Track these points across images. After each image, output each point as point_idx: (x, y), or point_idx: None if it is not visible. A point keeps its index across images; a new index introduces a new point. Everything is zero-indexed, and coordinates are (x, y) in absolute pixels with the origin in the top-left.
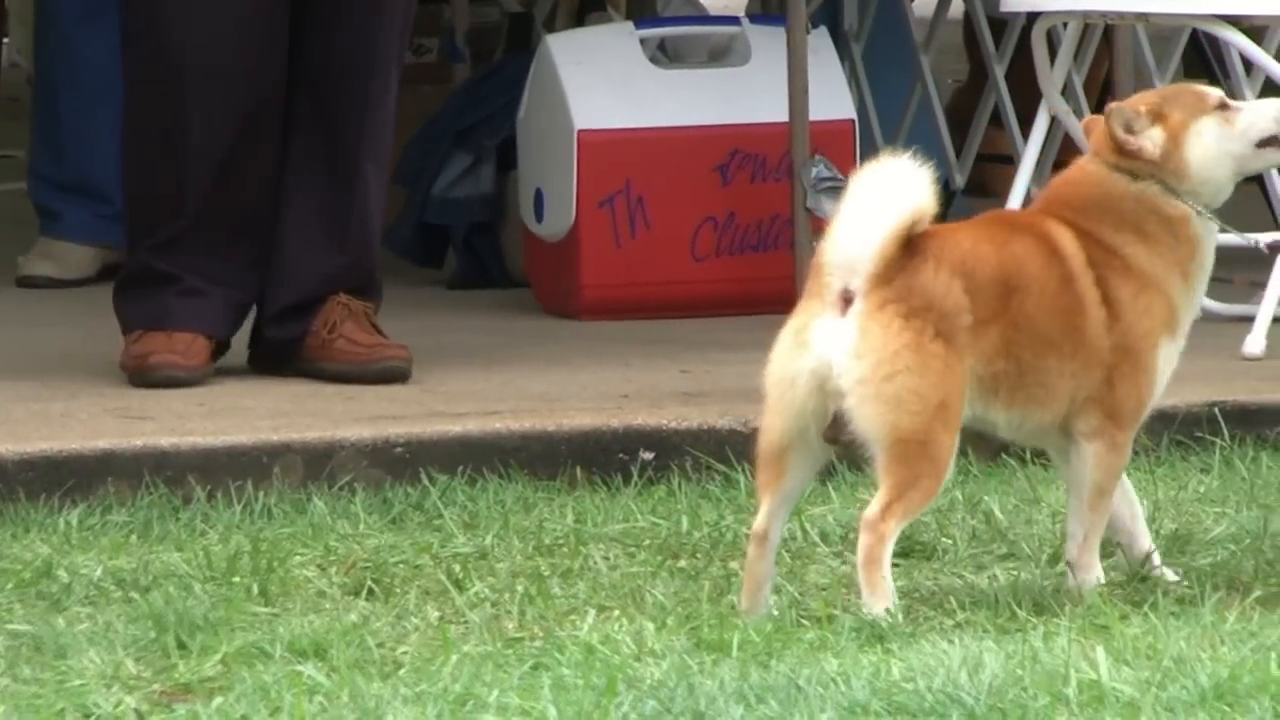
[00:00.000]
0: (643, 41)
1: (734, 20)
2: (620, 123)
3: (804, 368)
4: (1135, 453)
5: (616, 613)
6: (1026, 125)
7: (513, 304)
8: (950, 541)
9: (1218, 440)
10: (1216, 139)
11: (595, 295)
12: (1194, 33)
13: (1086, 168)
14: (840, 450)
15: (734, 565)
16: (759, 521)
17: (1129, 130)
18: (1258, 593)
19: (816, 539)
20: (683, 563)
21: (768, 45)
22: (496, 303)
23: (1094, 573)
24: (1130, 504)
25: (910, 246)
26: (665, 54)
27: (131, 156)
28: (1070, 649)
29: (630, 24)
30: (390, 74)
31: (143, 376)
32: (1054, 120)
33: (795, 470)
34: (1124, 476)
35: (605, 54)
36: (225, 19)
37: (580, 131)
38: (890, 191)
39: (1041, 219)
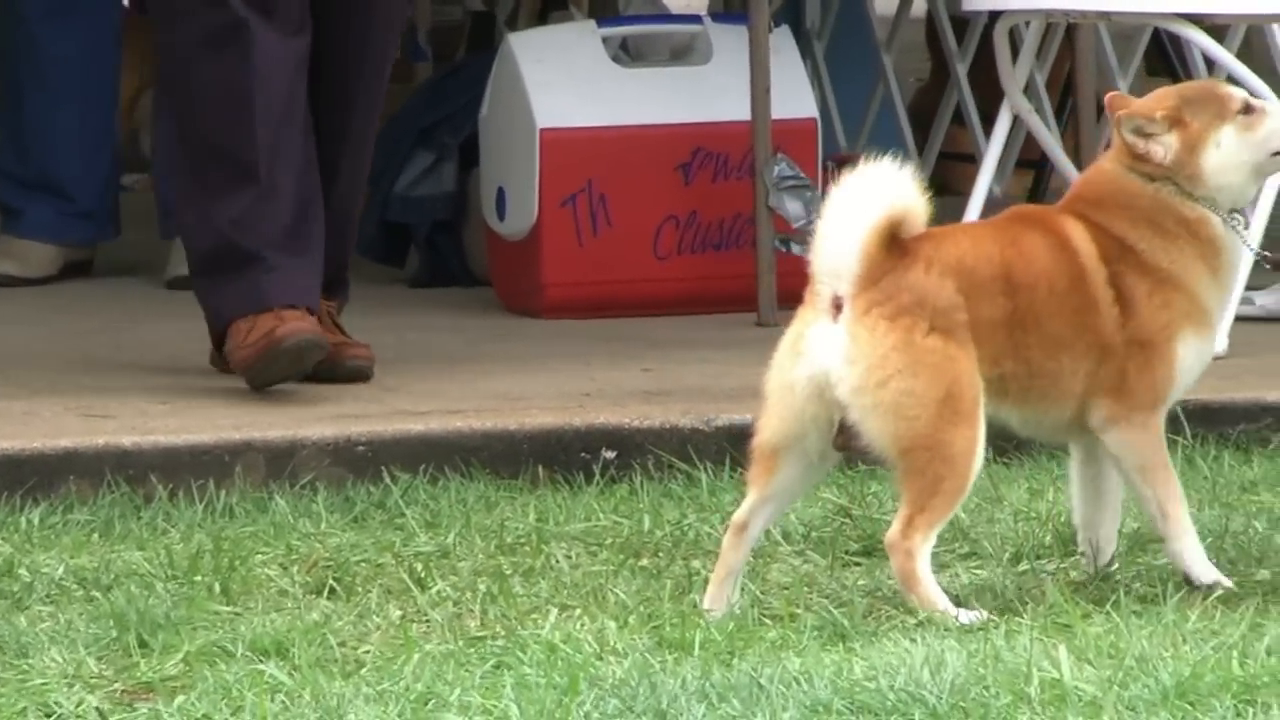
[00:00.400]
0: (605, 40)
1: (696, 19)
2: (582, 121)
3: (801, 376)
4: None
5: (579, 611)
6: (989, 123)
7: (475, 302)
8: None
9: (1180, 439)
10: (1235, 149)
11: (557, 294)
12: (1156, 31)
13: (1104, 166)
14: (853, 455)
15: (696, 564)
16: (740, 511)
17: (1141, 135)
18: (1219, 591)
19: (779, 538)
20: (645, 561)
21: (730, 44)
22: (458, 301)
23: (1188, 539)
24: (1113, 514)
25: (901, 249)
26: (627, 53)
27: (195, 122)
28: (1032, 648)
29: (592, 23)
30: (377, 74)
31: (274, 353)
32: (1016, 119)
33: (787, 471)
34: (1117, 488)
35: (567, 53)
36: None
37: (543, 130)
38: (870, 194)
39: (1056, 215)
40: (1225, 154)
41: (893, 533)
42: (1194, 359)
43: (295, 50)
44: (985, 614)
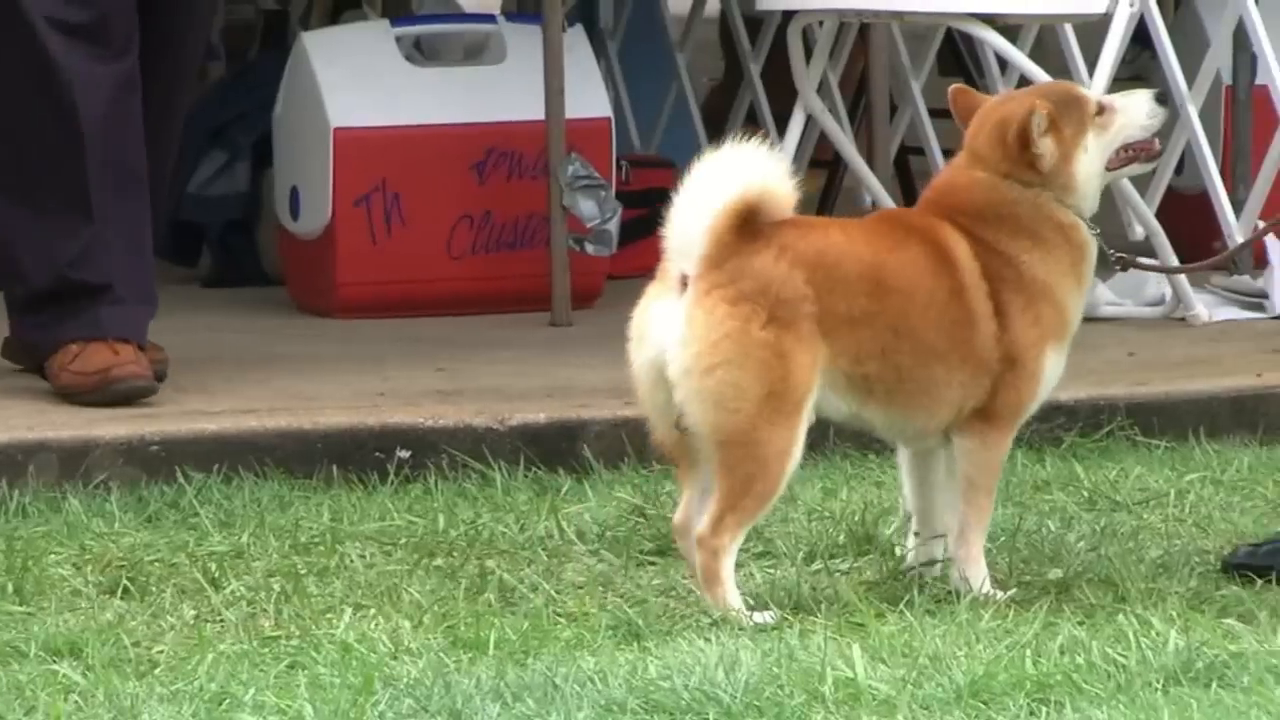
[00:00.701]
0: (398, 39)
1: (490, 19)
2: (376, 121)
3: (644, 360)
4: (892, 450)
5: (373, 611)
6: (782, 123)
7: (268, 302)
8: None
9: None
10: (1098, 153)
11: (351, 293)
12: (949, 31)
13: (975, 174)
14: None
15: (490, 563)
16: (678, 513)
17: (1024, 140)
18: (1013, 590)
19: (574, 537)
20: (439, 561)
21: (524, 43)
22: (252, 301)
23: (977, 566)
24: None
25: (755, 234)
26: (421, 52)
27: (22, 160)
28: (826, 647)
29: (386, 22)
30: (193, 78)
31: (106, 392)
32: (809, 118)
33: (696, 464)
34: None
35: (361, 52)
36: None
37: (336, 129)
38: (726, 173)
39: (938, 225)
40: (1091, 159)
41: (702, 529)
42: (1053, 374)
43: (121, 73)
44: (778, 615)
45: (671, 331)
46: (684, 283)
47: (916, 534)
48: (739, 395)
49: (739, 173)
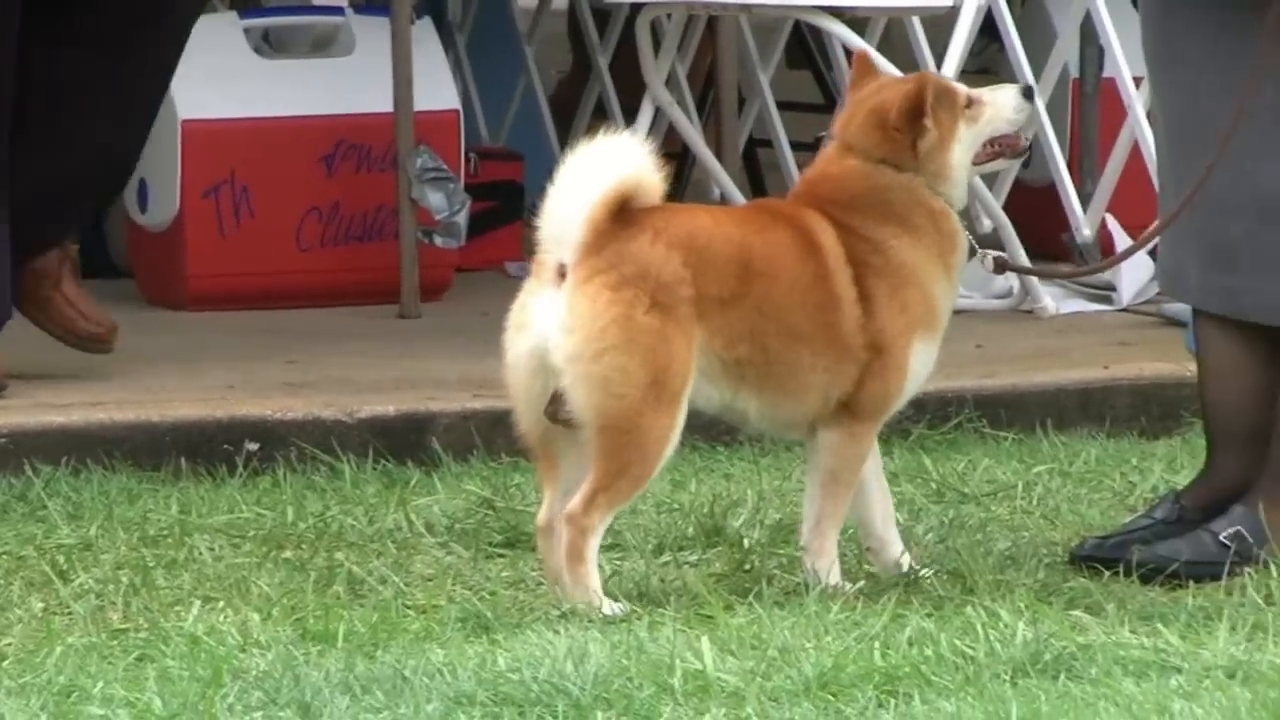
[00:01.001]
0: (247, 31)
1: (338, 11)
2: (224, 113)
3: (524, 349)
4: (740, 442)
5: (222, 604)
6: (631, 116)
7: (117, 295)
8: None
9: None
10: (969, 143)
11: (200, 286)
12: (797, 23)
13: (847, 163)
14: (561, 424)
15: (340, 556)
16: (541, 514)
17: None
18: (861, 583)
19: (422, 529)
20: (288, 553)
21: (372, 35)
22: (101, 293)
23: (828, 559)
24: (885, 508)
25: (628, 220)
26: (269, 44)
27: None
28: (675, 639)
29: (234, 14)
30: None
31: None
32: (658, 110)
33: (569, 459)
34: (882, 480)
35: (209, 44)
36: None
37: (184, 121)
38: (600, 163)
39: (804, 211)
40: (963, 149)
41: (573, 507)
42: (923, 367)
43: None
44: (627, 608)
45: (553, 320)
46: (561, 272)
47: (869, 548)
48: (625, 381)
49: (612, 163)
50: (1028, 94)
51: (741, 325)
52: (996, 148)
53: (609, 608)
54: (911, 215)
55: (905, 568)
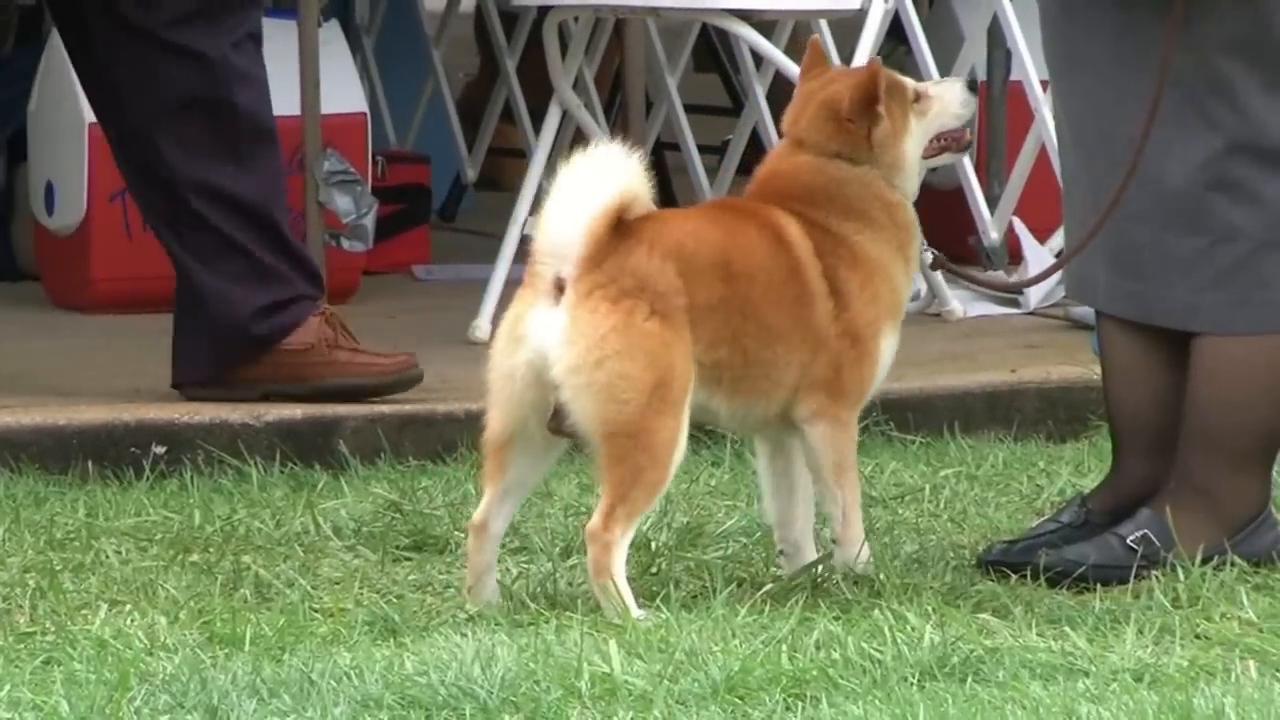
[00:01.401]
0: None
1: None
2: None
3: (520, 361)
4: None
5: (129, 607)
6: (538, 119)
7: (23, 297)
8: (463, 535)
9: (729, 435)
10: (919, 136)
11: (106, 288)
12: (704, 27)
13: (800, 159)
14: (566, 438)
15: (247, 559)
16: (478, 512)
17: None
18: (768, 586)
19: (330, 533)
20: (195, 557)
21: (279, 38)
22: (6, 296)
23: (860, 545)
24: (806, 518)
25: (623, 231)
26: None
27: None
28: (583, 642)
29: None
30: None
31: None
32: (566, 114)
33: (519, 463)
34: (809, 490)
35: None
36: None
37: (92, 124)
38: (597, 177)
39: (768, 209)
40: (914, 141)
41: (594, 523)
42: (890, 354)
43: None
44: (651, 615)
45: (552, 333)
46: (559, 285)
47: (782, 552)
48: (629, 386)
49: (608, 175)
50: (973, 88)
51: (724, 328)
52: (943, 142)
53: (638, 613)
54: (870, 209)
55: (820, 569)
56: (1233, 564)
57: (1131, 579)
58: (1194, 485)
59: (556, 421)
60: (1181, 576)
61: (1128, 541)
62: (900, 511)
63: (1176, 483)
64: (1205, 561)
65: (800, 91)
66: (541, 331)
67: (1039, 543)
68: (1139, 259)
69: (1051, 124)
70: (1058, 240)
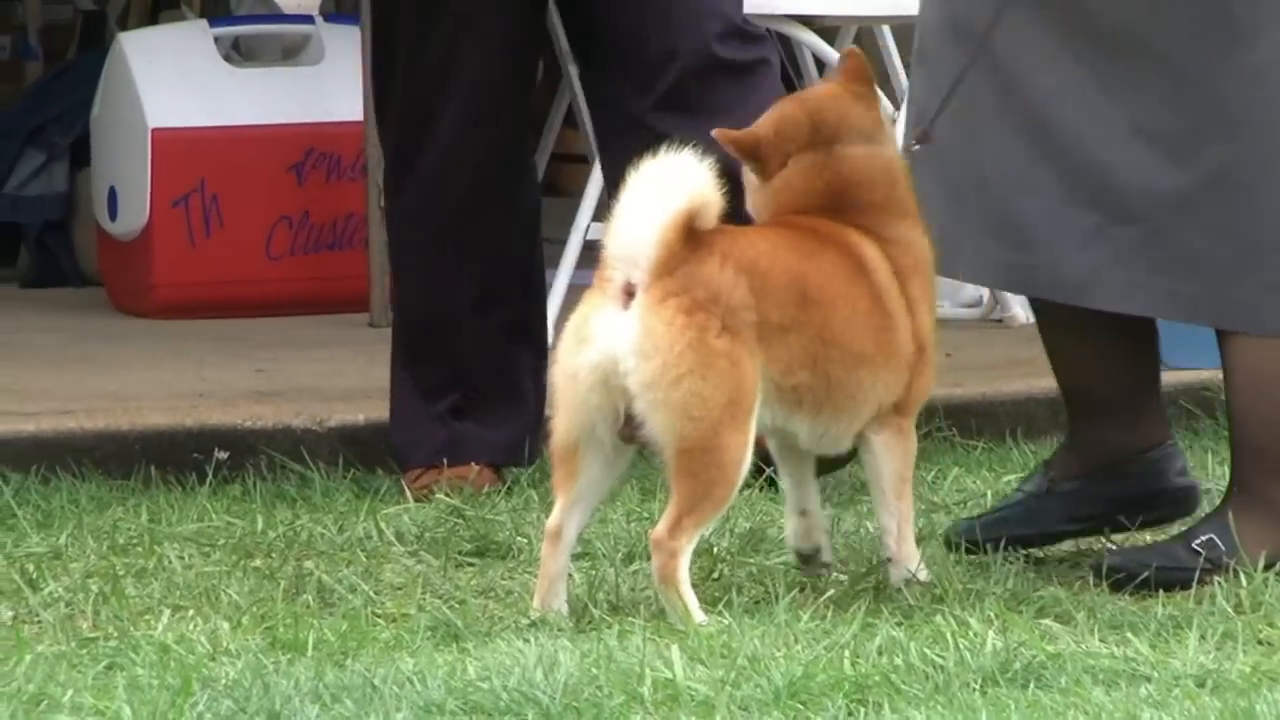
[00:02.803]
0: (217, 40)
1: (308, 19)
2: (195, 121)
3: (586, 363)
4: None
5: (191, 612)
6: None
7: (86, 303)
8: (525, 540)
9: None
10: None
11: (168, 294)
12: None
13: (858, 156)
14: (638, 445)
15: (309, 565)
16: (552, 519)
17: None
18: (830, 592)
19: (392, 538)
20: (258, 562)
21: (342, 44)
22: (70, 301)
23: (915, 562)
24: (822, 515)
25: (696, 241)
26: (240, 53)
27: None
28: (645, 648)
29: (204, 22)
30: None
31: None
32: None
33: (590, 469)
34: (816, 489)
35: (179, 52)
36: None
37: (154, 130)
38: (669, 183)
39: (843, 230)
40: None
41: (659, 531)
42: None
43: None
44: (713, 620)
45: (624, 340)
46: (629, 290)
47: (803, 512)
48: (703, 404)
49: (681, 181)
50: None
51: (801, 353)
52: None
53: (700, 617)
54: (908, 197)
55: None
56: None
57: (1195, 584)
58: (1253, 491)
59: (629, 429)
60: (1244, 582)
61: (1193, 545)
62: (963, 516)
63: (1238, 487)
64: (1269, 567)
65: (782, 110)
66: (610, 334)
67: (1006, 515)
68: (1026, 230)
69: None
70: None
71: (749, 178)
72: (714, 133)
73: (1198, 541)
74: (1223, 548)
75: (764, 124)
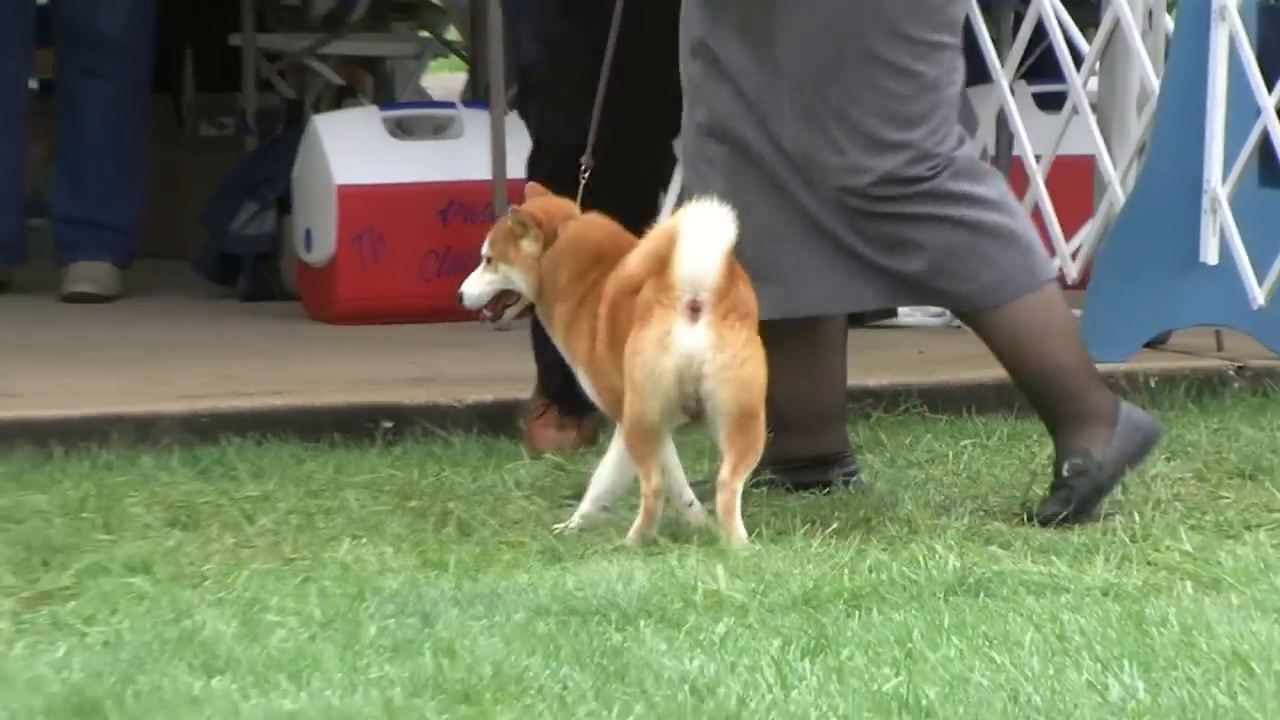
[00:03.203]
0: (384, 120)
1: (451, 105)
2: (368, 179)
3: (669, 365)
4: None
5: (365, 540)
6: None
7: (288, 313)
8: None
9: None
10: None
11: (348, 306)
12: None
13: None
14: (694, 419)
15: (451, 505)
16: (655, 481)
17: None
18: (835, 525)
19: (512, 486)
20: (413, 503)
21: (477, 123)
22: (276, 312)
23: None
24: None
25: (731, 269)
26: (401, 129)
27: None
28: (698, 567)
29: (375, 107)
30: None
31: None
32: None
33: (665, 439)
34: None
35: (357, 129)
36: None
37: (339, 186)
38: (718, 224)
39: None
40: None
41: (724, 475)
42: None
43: None
44: (755, 544)
45: (701, 344)
46: (693, 307)
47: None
48: (757, 381)
49: (722, 225)
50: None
51: None
52: None
53: (743, 541)
54: None
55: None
56: (1175, 508)
57: (1102, 517)
58: (1069, 414)
59: (698, 407)
60: (1137, 518)
61: (1063, 473)
62: (931, 471)
63: (1058, 418)
64: (1130, 464)
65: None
66: (689, 343)
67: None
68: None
69: (1044, 191)
70: None
71: None
72: None
73: (1066, 469)
74: (1084, 461)
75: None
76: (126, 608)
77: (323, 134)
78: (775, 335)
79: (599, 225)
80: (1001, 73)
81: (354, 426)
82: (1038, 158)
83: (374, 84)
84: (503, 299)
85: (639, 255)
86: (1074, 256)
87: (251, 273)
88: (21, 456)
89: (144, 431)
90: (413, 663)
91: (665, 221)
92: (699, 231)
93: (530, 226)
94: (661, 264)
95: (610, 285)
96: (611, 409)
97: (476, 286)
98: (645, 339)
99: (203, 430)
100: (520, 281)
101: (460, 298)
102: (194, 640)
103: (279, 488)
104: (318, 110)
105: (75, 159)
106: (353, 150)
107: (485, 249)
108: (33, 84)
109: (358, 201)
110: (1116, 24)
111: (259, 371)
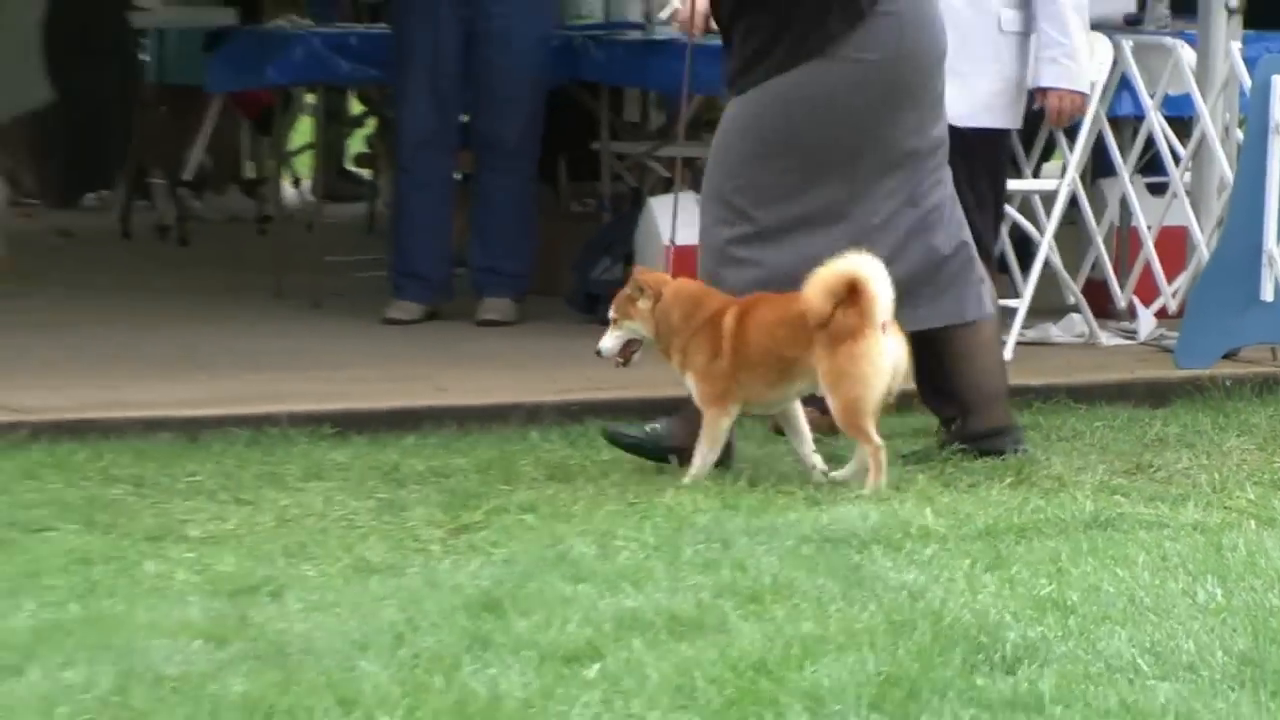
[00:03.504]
0: (696, 200)
1: None
2: (688, 241)
3: (887, 366)
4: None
5: (684, 490)
6: None
7: None
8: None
9: None
10: None
11: None
12: None
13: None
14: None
15: (741, 465)
16: (878, 441)
17: None
18: (1008, 480)
19: (785, 452)
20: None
21: None
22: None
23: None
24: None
25: None
26: None
27: None
28: (914, 510)
29: (692, 193)
30: None
31: None
32: None
33: (878, 415)
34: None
35: (687, 210)
36: None
37: (666, 246)
38: (883, 272)
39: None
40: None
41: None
42: None
43: None
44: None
45: (899, 351)
46: (884, 328)
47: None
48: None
49: (883, 268)
50: None
51: None
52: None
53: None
54: None
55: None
56: (1244, 469)
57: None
58: (981, 408)
59: (892, 395)
60: (1217, 477)
61: (1017, 452)
62: (1074, 444)
63: (969, 410)
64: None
65: None
66: (894, 350)
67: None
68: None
69: (1154, 252)
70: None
71: None
72: None
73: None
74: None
75: None
76: (520, 536)
77: (656, 211)
78: (948, 339)
79: (690, 282)
80: (1124, 168)
81: (673, 412)
82: (1149, 228)
83: (690, 176)
84: (629, 347)
85: (819, 293)
86: (1174, 295)
87: (604, 307)
88: (448, 433)
89: (532, 415)
90: (716, 574)
91: (828, 269)
92: (879, 276)
93: (646, 289)
94: (837, 299)
95: (729, 317)
96: (709, 401)
97: (609, 342)
98: (865, 349)
99: (573, 414)
100: (641, 330)
101: (599, 352)
102: (565, 559)
103: (625, 454)
104: (652, 194)
105: (486, 227)
106: (680, 223)
107: (611, 313)
108: (456, 176)
109: (681, 257)
110: (1204, 135)
111: (609, 375)
